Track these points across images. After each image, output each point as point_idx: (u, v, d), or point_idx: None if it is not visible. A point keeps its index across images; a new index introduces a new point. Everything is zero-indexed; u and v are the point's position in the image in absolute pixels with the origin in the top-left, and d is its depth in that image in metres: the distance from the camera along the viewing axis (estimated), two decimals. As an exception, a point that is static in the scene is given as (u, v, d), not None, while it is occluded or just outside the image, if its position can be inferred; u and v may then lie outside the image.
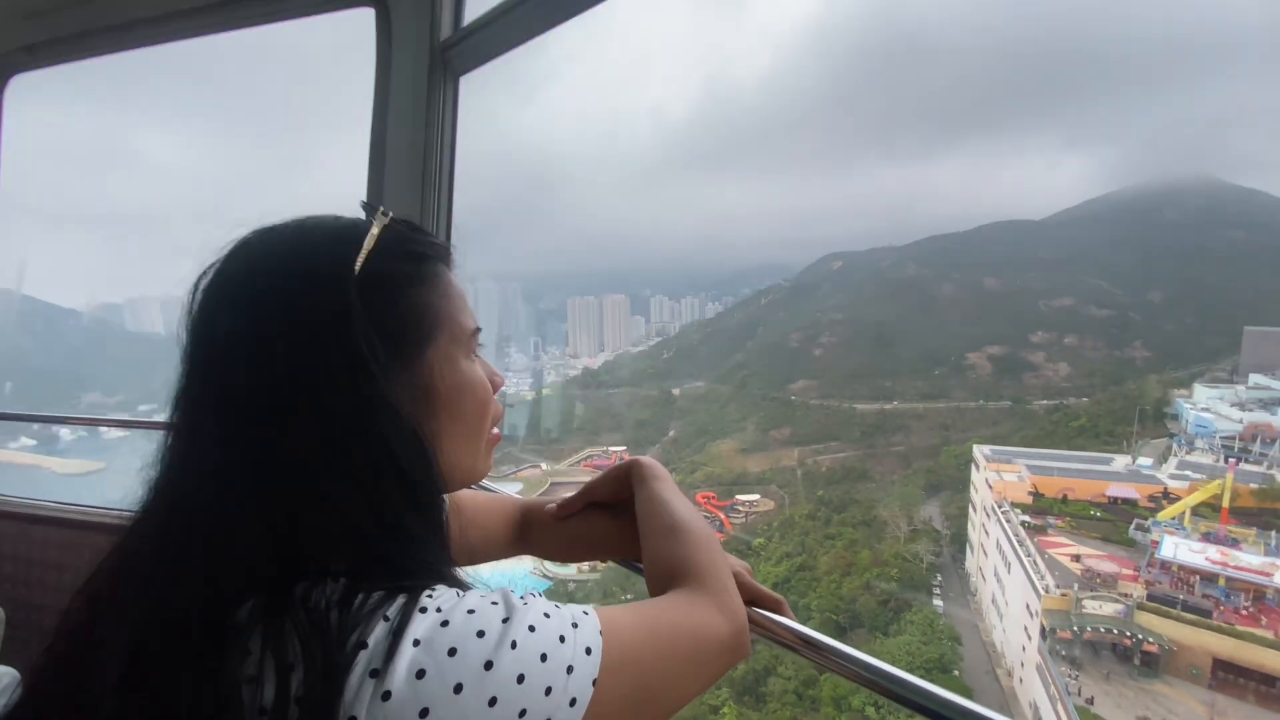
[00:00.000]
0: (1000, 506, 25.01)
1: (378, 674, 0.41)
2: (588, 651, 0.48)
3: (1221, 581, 19.40)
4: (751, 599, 0.75)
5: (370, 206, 0.59)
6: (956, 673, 21.39)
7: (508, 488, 1.16)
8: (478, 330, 0.62)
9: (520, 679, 0.43)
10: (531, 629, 0.46)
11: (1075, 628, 18.66)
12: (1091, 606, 19.16)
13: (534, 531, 0.92)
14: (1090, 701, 17.82)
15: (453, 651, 0.43)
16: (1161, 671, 18.28)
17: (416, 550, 0.52)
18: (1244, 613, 18.61)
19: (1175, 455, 28.53)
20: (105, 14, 1.94)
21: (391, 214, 0.58)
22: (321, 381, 0.50)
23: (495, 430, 0.65)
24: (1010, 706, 20.52)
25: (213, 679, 0.43)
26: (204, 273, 0.55)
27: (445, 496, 0.58)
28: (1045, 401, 48.45)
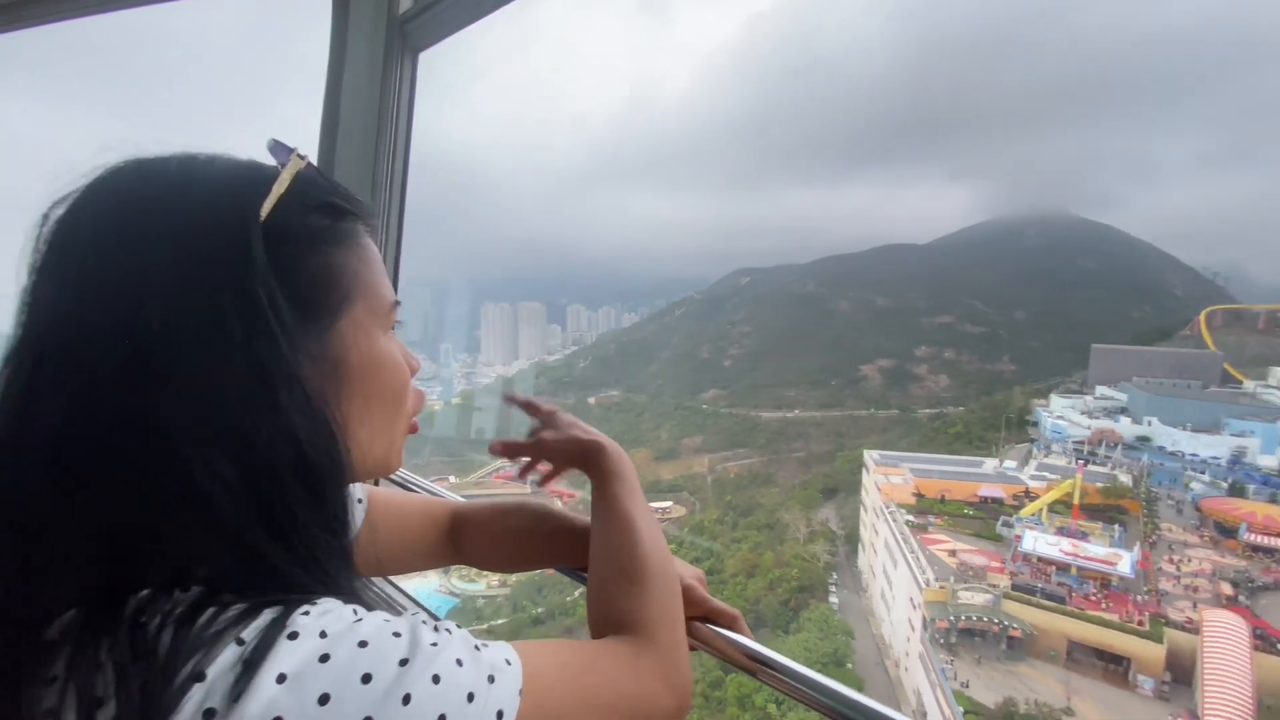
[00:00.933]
0: (888, 507, 26.64)
1: (213, 715, 0.32)
2: (499, 716, 0.40)
3: (1074, 571, 21.50)
4: (704, 614, 0.71)
5: (281, 146, 0.49)
6: (850, 665, 22.39)
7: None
8: (397, 304, 0.54)
9: None
10: (435, 679, 0.37)
11: (951, 617, 20.04)
12: (965, 597, 20.67)
13: (468, 538, 0.81)
14: (965, 685, 19.18)
15: (325, 699, 0.33)
16: (1025, 654, 19.95)
17: (309, 553, 0.43)
18: (1092, 599, 20.68)
19: (1035, 458, 31.56)
20: None
21: (307, 158, 0.49)
22: (210, 343, 0.41)
23: (414, 420, 0.58)
24: (896, 695, 21.71)
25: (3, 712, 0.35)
26: (58, 201, 0.45)
27: (358, 493, 0.52)
28: (928, 410, 52.64)
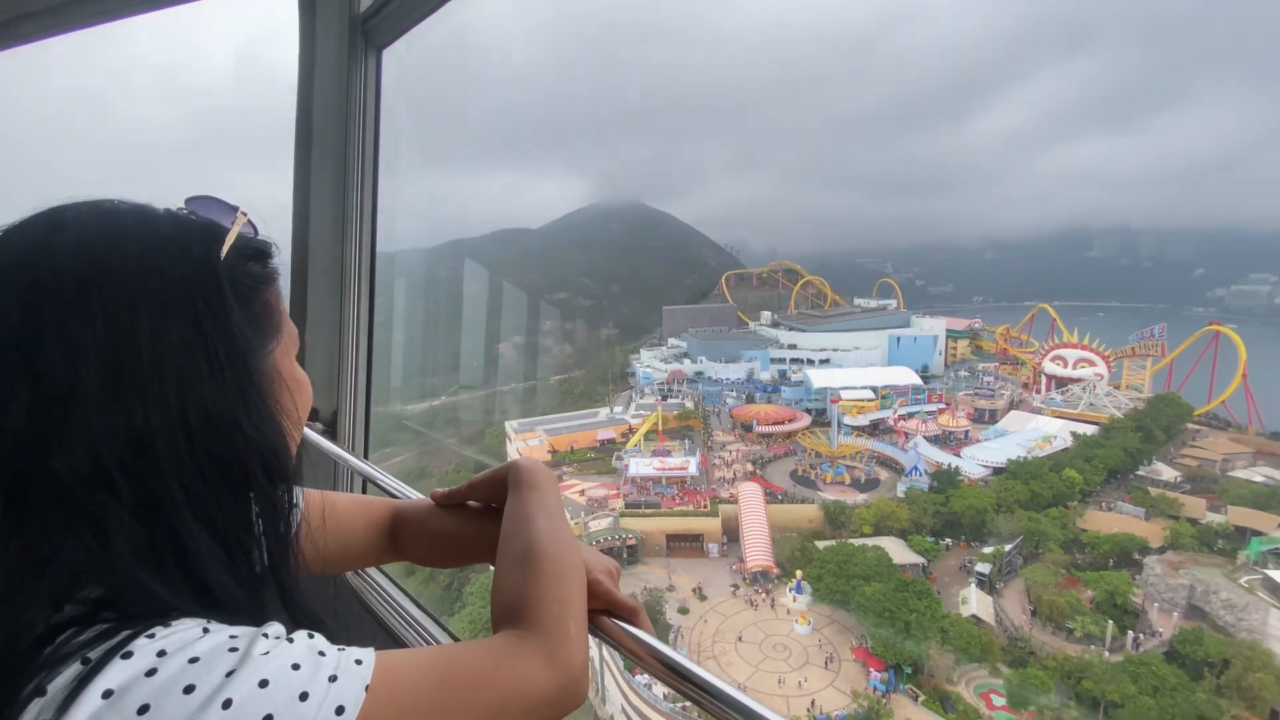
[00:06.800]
0: (529, 468, 29.40)
1: None
2: (338, 711, 0.41)
3: (663, 481, 27.59)
4: (606, 606, 0.71)
5: (202, 200, 0.58)
6: (512, 619, 24.42)
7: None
8: (299, 333, 0.64)
9: None
10: (263, 684, 0.39)
11: (586, 545, 23.77)
12: (594, 525, 24.59)
13: (405, 534, 0.86)
14: (601, 597, 23.01)
15: (144, 709, 0.36)
16: (641, 557, 24.66)
17: (242, 563, 0.49)
18: (676, 498, 26.87)
19: (634, 401, 38.43)
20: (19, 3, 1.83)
21: (247, 215, 0.58)
22: (194, 366, 0.48)
23: None
24: (553, 627, 24.73)
25: None
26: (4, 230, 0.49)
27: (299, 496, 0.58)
28: (558, 376, 59.02)
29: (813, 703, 17.90)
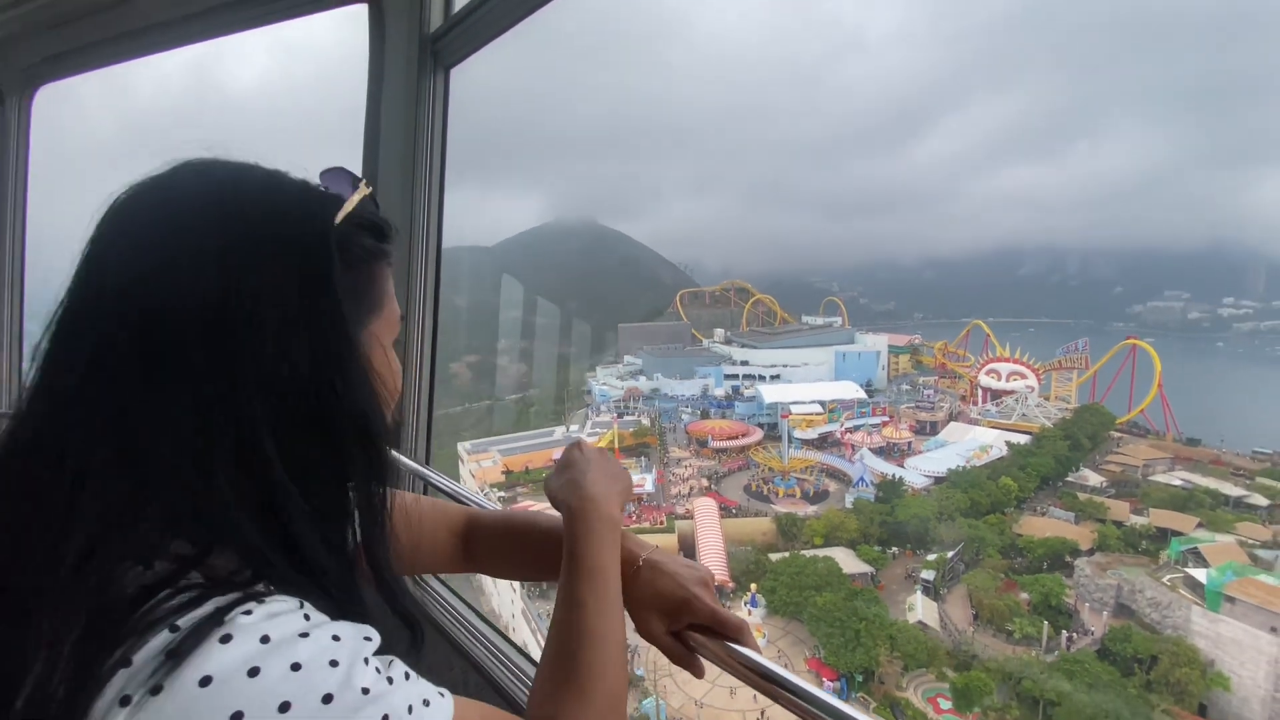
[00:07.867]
0: (482, 489, 28.95)
1: (129, 703, 0.33)
2: None
3: (620, 499, 27.73)
4: (709, 622, 0.68)
5: (331, 173, 0.58)
6: (465, 646, 23.80)
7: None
8: (402, 319, 0.62)
9: None
10: (357, 710, 0.38)
11: (540, 567, 23.46)
12: (549, 546, 24.42)
13: (479, 545, 0.82)
14: (557, 618, 22.72)
15: (238, 716, 0.34)
16: None
17: (334, 532, 0.49)
18: (632, 515, 26.70)
19: (590, 419, 38.32)
20: (118, 22, 2.03)
21: (372, 188, 0.59)
22: (294, 320, 0.47)
23: None
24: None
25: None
26: (135, 184, 0.50)
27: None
28: (514, 395, 58.29)
29: (762, 713, 18.01)
